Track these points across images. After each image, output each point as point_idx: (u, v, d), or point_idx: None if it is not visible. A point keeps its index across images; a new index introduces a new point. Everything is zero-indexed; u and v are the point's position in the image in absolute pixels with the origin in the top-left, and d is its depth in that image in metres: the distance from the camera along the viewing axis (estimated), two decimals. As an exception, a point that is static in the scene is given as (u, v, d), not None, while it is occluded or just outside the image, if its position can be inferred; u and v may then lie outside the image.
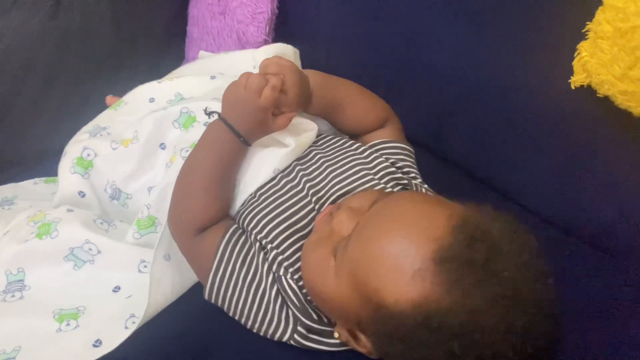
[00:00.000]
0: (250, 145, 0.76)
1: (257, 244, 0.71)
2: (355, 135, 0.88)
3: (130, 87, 1.04)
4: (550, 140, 0.85)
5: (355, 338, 0.64)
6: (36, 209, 0.87)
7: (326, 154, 0.81)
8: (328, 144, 0.84)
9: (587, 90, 0.78)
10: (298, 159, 0.80)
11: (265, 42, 1.18)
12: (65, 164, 0.90)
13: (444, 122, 0.99)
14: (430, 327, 0.54)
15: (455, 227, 0.56)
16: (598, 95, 0.76)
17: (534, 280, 0.55)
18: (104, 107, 1.07)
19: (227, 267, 0.69)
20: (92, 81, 1.18)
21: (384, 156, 0.82)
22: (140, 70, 1.23)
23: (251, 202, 0.76)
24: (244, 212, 0.75)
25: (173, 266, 0.75)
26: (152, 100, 0.98)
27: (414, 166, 0.84)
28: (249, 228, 0.73)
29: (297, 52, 1.01)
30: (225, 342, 0.70)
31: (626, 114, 0.74)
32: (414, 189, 0.79)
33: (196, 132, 0.86)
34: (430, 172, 0.84)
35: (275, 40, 1.19)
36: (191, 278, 0.76)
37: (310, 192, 0.75)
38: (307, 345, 0.67)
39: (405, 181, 0.79)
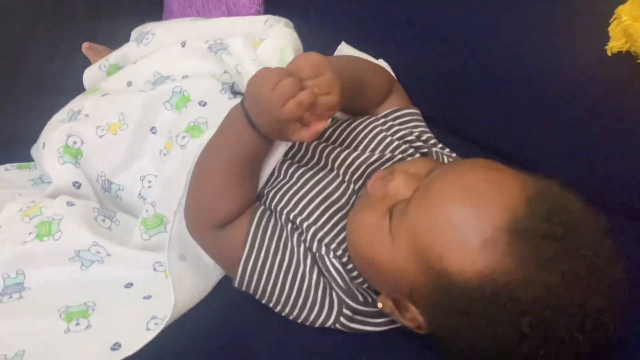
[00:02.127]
0: (271, 140, 0.66)
1: (290, 224, 0.66)
2: (364, 113, 0.82)
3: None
4: (581, 111, 0.80)
5: (401, 310, 0.60)
6: (28, 200, 0.77)
7: (341, 126, 0.77)
8: (340, 121, 0.79)
9: (625, 57, 0.73)
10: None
11: (257, 13, 1.10)
12: (50, 155, 0.81)
13: (459, 96, 0.92)
14: (498, 301, 0.50)
15: (530, 198, 0.52)
16: (638, 61, 0.72)
17: (608, 261, 0.52)
18: (78, 86, 1.00)
19: (260, 253, 0.64)
20: (66, 59, 1.08)
21: (401, 125, 0.79)
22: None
23: (276, 180, 0.70)
24: (270, 192, 0.69)
25: (190, 265, 0.69)
26: (129, 84, 0.90)
27: (428, 130, 0.81)
28: (279, 207, 0.67)
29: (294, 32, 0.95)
30: (260, 333, 0.65)
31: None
32: (434, 157, 0.75)
33: (190, 114, 0.78)
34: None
35: (267, 10, 1.11)
36: (214, 276, 0.70)
37: (336, 164, 0.71)
38: (353, 328, 0.63)
39: (425, 150, 0.76)
